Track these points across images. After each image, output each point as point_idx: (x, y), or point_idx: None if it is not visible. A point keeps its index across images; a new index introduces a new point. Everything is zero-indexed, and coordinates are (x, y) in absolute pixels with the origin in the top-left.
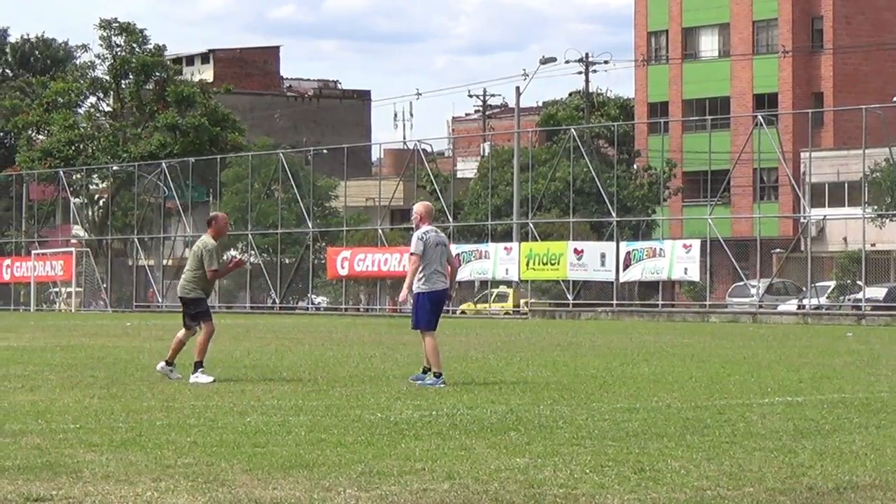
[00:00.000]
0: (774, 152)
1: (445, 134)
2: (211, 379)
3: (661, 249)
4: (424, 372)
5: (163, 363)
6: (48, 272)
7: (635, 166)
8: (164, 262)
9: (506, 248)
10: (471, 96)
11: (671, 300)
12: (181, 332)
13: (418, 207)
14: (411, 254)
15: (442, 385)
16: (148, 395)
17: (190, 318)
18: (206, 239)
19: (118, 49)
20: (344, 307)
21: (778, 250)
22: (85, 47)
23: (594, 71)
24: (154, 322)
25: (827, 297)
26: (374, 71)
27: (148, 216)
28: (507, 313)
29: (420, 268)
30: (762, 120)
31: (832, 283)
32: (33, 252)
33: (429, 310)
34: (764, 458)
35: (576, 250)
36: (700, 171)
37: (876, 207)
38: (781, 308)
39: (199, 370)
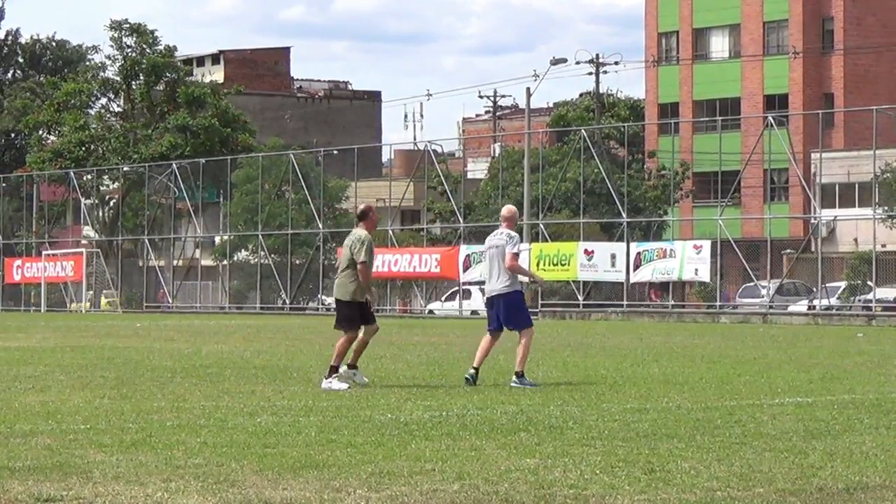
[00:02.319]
0: (785, 153)
1: (456, 135)
2: (345, 386)
3: (671, 250)
4: (518, 375)
5: (343, 367)
6: (58, 273)
7: (646, 167)
8: (175, 262)
9: None
10: (481, 97)
11: (682, 301)
12: (360, 334)
13: (502, 210)
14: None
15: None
16: (158, 396)
17: (360, 319)
18: (360, 231)
19: (129, 50)
20: None
21: (788, 251)
22: (96, 48)
23: (604, 72)
24: (164, 323)
25: (838, 298)
26: (385, 72)
27: (158, 217)
28: None
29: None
30: (772, 121)
31: (843, 284)
32: (44, 253)
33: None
34: (774, 459)
35: (586, 251)
36: (710, 172)
37: (886, 208)
38: (792, 309)
39: (335, 376)
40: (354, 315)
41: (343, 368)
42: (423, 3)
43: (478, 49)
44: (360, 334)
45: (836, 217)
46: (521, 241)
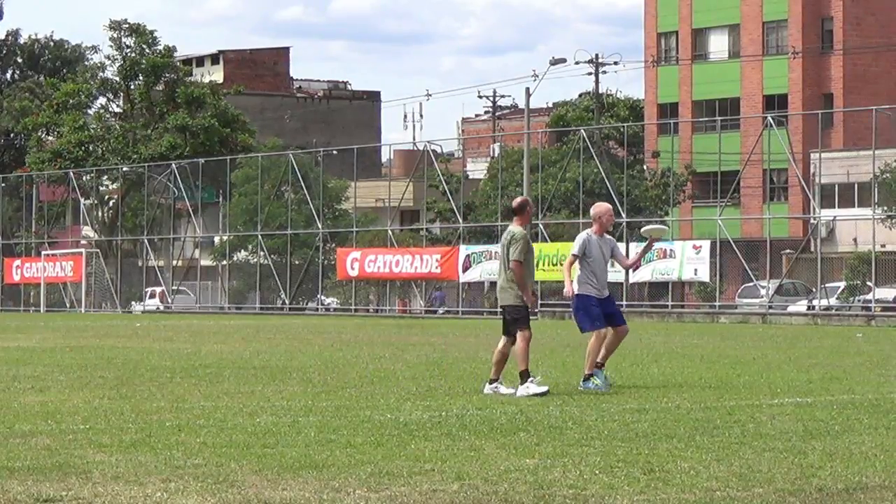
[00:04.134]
0: (784, 153)
1: (455, 135)
2: (544, 389)
3: (671, 250)
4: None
5: (486, 383)
6: (58, 273)
7: (646, 167)
8: (174, 262)
9: None
10: (480, 97)
11: (681, 301)
12: (501, 343)
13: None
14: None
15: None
16: (157, 396)
17: (510, 325)
18: (514, 227)
19: (128, 50)
20: (353, 308)
21: (788, 251)
22: (95, 48)
23: (604, 72)
24: (164, 323)
25: (837, 298)
26: (384, 72)
27: (158, 217)
28: None
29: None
30: (772, 121)
31: (842, 284)
32: (43, 253)
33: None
34: (773, 459)
35: None
36: (710, 172)
37: (886, 208)
38: (791, 309)
39: (529, 380)
40: (524, 314)
41: (486, 386)
42: (421, 3)
43: (477, 49)
44: (500, 346)
45: (836, 217)
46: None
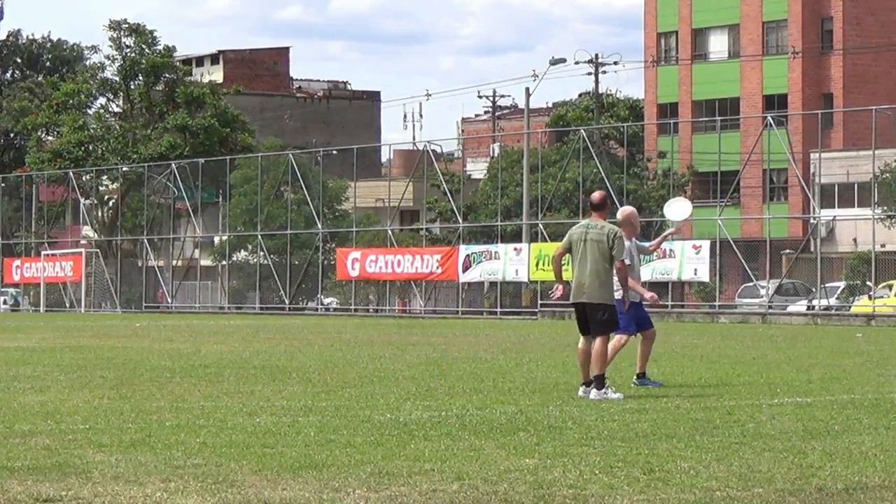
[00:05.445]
0: (784, 153)
1: (455, 135)
2: (619, 396)
3: (670, 250)
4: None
5: (581, 387)
6: (58, 273)
7: (650, 167)
8: (174, 262)
9: (516, 249)
10: (480, 97)
11: (681, 301)
12: (581, 342)
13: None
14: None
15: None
16: (157, 396)
17: (596, 325)
18: (605, 223)
19: (128, 50)
20: (353, 308)
21: (787, 251)
22: (94, 48)
23: (604, 72)
24: (164, 323)
25: (837, 298)
26: (383, 72)
27: (158, 217)
28: None
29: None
30: (772, 121)
31: (842, 284)
32: (43, 253)
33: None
34: (773, 459)
35: None
36: (710, 172)
37: (886, 208)
38: (791, 309)
39: (607, 386)
40: (615, 316)
41: (590, 391)
42: (421, 3)
43: (476, 49)
44: (581, 344)
45: (836, 217)
46: (522, 241)
